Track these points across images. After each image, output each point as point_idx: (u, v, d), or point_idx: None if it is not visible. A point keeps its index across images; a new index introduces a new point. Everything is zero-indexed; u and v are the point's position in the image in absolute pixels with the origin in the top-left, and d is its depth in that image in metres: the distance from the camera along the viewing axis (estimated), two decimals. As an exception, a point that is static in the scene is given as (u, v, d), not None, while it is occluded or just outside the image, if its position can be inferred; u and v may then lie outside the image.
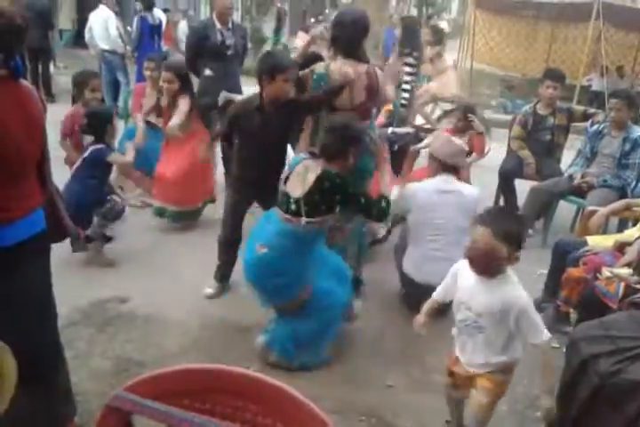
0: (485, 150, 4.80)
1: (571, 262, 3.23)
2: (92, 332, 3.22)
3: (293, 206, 2.81)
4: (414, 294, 3.22)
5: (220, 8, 5.01)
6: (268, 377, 1.26)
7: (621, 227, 4.12)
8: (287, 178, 2.94)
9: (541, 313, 3.40)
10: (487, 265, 2.15)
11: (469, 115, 4.73)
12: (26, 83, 1.97)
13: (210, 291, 3.66)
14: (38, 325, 2.12)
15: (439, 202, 3.44)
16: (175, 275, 3.89)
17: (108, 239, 3.97)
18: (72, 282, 3.56)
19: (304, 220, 2.78)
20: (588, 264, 3.06)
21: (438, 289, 2.45)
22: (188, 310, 3.47)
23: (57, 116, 4.20)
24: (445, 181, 3.53)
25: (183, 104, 4.47)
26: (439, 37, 5.89)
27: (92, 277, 3.80)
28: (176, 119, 4.42)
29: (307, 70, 3.44)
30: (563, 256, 3.41)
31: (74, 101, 4.47)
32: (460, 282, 2.30)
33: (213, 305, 3.55)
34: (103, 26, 7.95)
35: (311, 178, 2.79)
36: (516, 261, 2.17)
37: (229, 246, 3.60)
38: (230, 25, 5.06)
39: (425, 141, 5.02)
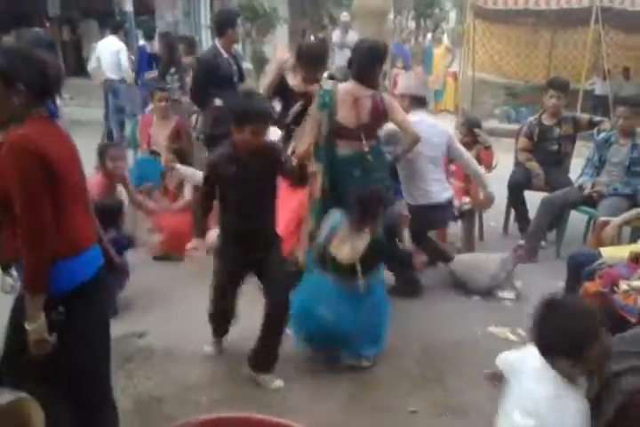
0: (494, 164, 4.80)
1: (586, 276, 3.20)
2: (112, 369, 3.22)
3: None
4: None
5: (233, 39, 4.98)
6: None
7: (635, 236, 4.08)
8: (329, 239, 3.14)
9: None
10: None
11: (475, 129, 4.74)
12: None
13: (209, 349, 3.41)
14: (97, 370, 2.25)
15: (430, 134, 3.91)
16: (190, 307, 3.83)
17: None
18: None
19: (361, 282, 3.09)
20: (604, 278, 3.02)
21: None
22: (206, 342, 3.45)
23: None
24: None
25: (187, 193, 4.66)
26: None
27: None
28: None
29: (315, 86, 3.76)
30: (578, 270, 3.38)
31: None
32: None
33: (230, 337, 3.52)
34: (114, 57, 8.02)
35: (361, 246, 3.08)
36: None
37: (223, 320, 3.34)
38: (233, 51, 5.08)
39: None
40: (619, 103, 4.48)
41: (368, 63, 3.60)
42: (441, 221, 4.30)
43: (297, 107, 3.93)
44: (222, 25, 4.88)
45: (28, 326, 1.92)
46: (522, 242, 4.75)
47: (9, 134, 1.88)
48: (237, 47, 8.22)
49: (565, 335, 1.91)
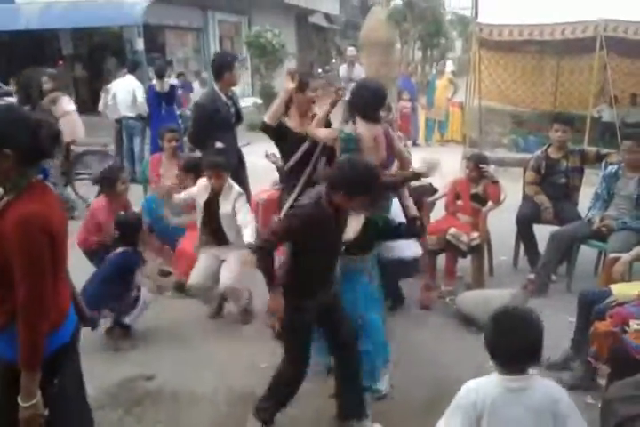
0: (501, 198, 4.80)
1: (597, 315, 3.17)
2: (120, 414, 3.22)
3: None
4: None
5: (231, 82, 4.95)
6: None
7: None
8: None
9: (569, 370, 3.35)
10: None
11: (481, 164, 4.75)
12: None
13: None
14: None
15: None
16: (199, 349, 3.88)
17: (126, 327, 3.97)
18: (96, 362, 3.57)
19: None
20: (615, 317, 2.99)
21: None
22: (216, 385, 3.44)
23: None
24: None
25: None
26: None
27: (117, 355, 3.81)
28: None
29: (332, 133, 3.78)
30: (588, 308, 3.34)
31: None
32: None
33: (240, 379, 3.51)
34: (130, 95, 8.20)
35: (356, 225, 3.13)
36: None
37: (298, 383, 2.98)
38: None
39: (439, 193, 5.04)
40: (624, 137, 4.48)
41: (376, 102, 3.69)
42: (405, 275, 4.30)
43: (301, 151, 3.87)
44: (219, 68, 4.85)
45: (24, 403, 1.85)
46: (532, 276, 4.72)
47: (14, 208, 1.83)
48: (246, 84, 8.40)
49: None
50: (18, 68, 10.64)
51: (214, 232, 4.11)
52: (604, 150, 5.00)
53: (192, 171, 4.61)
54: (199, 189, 4.11)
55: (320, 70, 16.78)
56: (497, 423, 2.00)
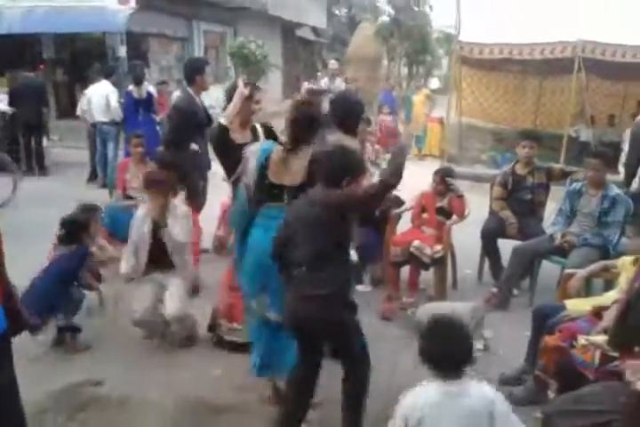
0: (466, 212, 4.81)
1: (548, 329, 3.17)
2: (62, 419, 3.14)
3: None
4: None
5: (203, 86, 5.00)
6: None
7: (608, 288, 4.05)
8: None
9: (521, 386, 3.33)
10: None
11: (447, 178, 4.77)
12: None
13: None
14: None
15: None
16: (149, 356, 3.82)
17: (76, 330, 3.88)
18: (43, 366, 3.53)
19: None
20: (564, 331, 3.00)
21: None
22: (164, 391, 3.37)
23: (48, 190, 4.28)
24: None
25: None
26: None
27: (65, 360, 3.73)
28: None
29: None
30: (542, 322, 3.34)
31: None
32: None
33: (189, 385, 3.45)
34: (104, 99, 8.20)
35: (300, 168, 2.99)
36: None
37: None
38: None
39: (405, 205, 5.04)
40: (589, 155, 4.53)
41: (356, 117, 3.80)
42: None
43: None
44: (192, 72, 4.96)
45: None
46: (494, 290, 4.72)
47: None
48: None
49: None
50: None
51: (159, 257, 3.85)
52: (570, 168, 5.05)
53: (167, 166, 4.58)
54: (138, 221, 3.85)
55: (306, 83, 16.84)
56: None
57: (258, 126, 3.75)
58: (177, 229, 3.76)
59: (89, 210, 4.13)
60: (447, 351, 2.11)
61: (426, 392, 2.11)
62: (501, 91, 13.32)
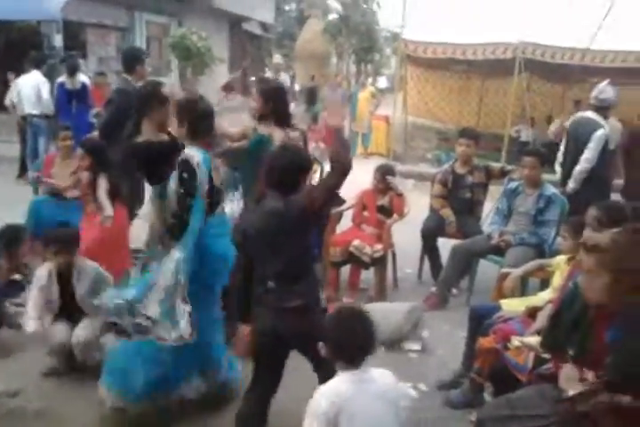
0: (405, 211, 4.77)
1: (483, 331, 3.13)
2: (-26, 432, 2.93)
3: None
4: None
5: (143, 75, 4.93)
6: None
7: (544, 287, 4.07)
8: None
9: (457, 389, 3.29)
10: None
11: (387, 176, 4.71)
12: None
13: None
14: None
15: None
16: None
17: None
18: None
19: None
20: (498, 333, 2.96)
21: None
22: (87, 402, 3.16)
23: None
24: None
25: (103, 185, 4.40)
26: None
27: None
28: (108, 210, 4.33)
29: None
30: (478, 323, 3.31)
31: None
32: None
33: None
34: (34, 90, 7.82)
35: None
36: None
37: None
38: None
39: (347, 204, 4.96)
40: (525, 153, 4.54)
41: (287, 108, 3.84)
42: None
43: None
44: (132, 62, 4.95)
45: None
46: (434, 289, 4.69)
47: None
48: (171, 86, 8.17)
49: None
50: None
51: (68, 305, 3.51)
52: (509, 167, 5.06)
53: (92, 153, 4.38)
54: (40, 283, 3.46)
55: (253, 78, 16.59)
56: (353, 416, 2.05)
57: None
58: (86, 288, 3.46)
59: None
60: (351, 339, 2.12)
61: (336, 386, 2.13)
62: (446, 90, 13.47)
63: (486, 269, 4.81)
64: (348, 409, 2.04)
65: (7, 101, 8.22)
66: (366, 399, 2.08)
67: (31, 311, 3.44)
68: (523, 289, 3.97)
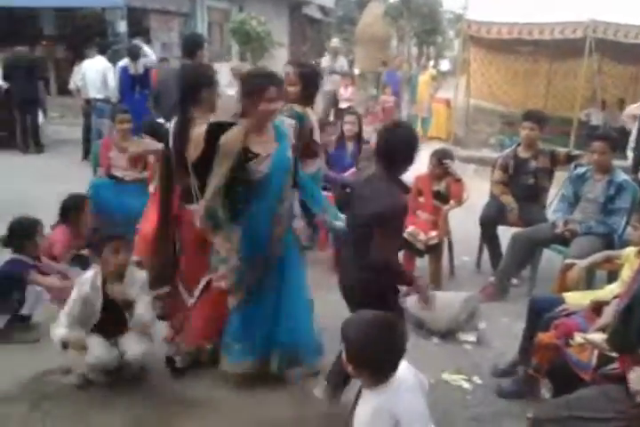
0: (464, 197, 4.58)
1: (543, 325, 2.95)
2: (27, 407, 3.00)
3: None
4: None
5: (201, 59, 5.11)
6: None
7: (612, 280, 3.82)
8: None
9: (513, 377, 3.14)
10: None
11: (444, 160, 4.53)
12: None
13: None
14: None
15: None
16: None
17: (25, 319, 3.70)
18: (15, 352, 3.38)
19: None
20: (559, 328, 2.78)
21: None
22: (134, 384, 3.20)
23: (46, 168, 4.12)
24: None
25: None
26: None
27: (40, 346, 3.51)
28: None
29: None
30: (537, 316, 3.13)
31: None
32: None
33: (160, 376, 3.28)
34: (100, 76, 7.98)
35: None
36: (364, 378, 2.04)
37: None
38: None
39: (402, 189, 4.81)
40: (594, 138, 4.26)
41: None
42: None
43: None
44: (193, 47, 5.14)
45: None
46: (492, 279, 4.50)
47: None
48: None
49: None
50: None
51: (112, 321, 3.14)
52: (576, 151, 4.79)
53: (152, 135, 4.44)
54: (84, 291, 3.04)
55: (313, 62, 16.51)
56: (409, 421, 1.94)
57: None
58: (141, 308, 3.07)
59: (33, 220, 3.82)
60: (390, 350, 1.94)
61: (382, 405, 1.95)
62: (511, 73, 13.01)
63: (551, 259, 4.59)
64: (402, 418, 1.93)
65: (71, 85, 8.43)
66: (409, 400, 1.97)
67: (63, 318, 3.07)
68: (589, 282, 3.75)
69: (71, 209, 4.14)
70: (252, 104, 2.84)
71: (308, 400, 3.04)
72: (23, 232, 3.66)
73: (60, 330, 3.05)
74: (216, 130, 2.87)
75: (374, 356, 1.92)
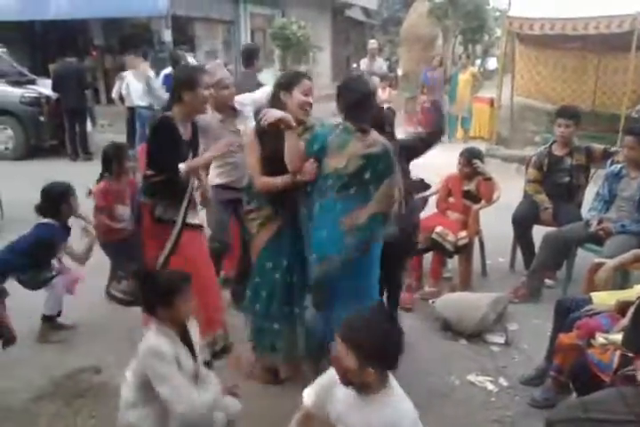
0: (495, 196, 4.51)
1: (567, 326, 2.88)
2: (58, 406, 3.11)
3: None
4: None
5: (259, 70, 5.91)
6: None
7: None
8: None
9: (542, 384, 3.07)
10: (342, 375, 1.97)
11: (474, 160, 4.47)
12: None
13: None
14: None
15: None
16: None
17: (50, 318, 3.81)
18: (47, 351, 3.50)
19: None
20: (582, 328, 2.71)
21: (309, 394, 2.18)
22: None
23: (93, 176, 4.26)
24: None
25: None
26: None
27: (71, 345, 3.69)
28: None
29: None
30: (564, 317, 3.05)
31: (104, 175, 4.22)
32: (337, 392, 2.08)
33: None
34: (142, 83, 8.19)
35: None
36: (371, 379, 1.94)
37: None
38: None
39: (432, 189, 4.77)
40: (625, 132, 4.12)
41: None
42: None
43: None
44: (250, 56, 5.70)
45: None
46: (525, 280, 4.41)
47: None
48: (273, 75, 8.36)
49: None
50: (51, 57, 10.82)
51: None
52: (612, 148, 4.64)
53: None
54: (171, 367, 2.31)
55: (355, 65, 16.52)
56: None
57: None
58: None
59: (64, 186, 3.82)
60: (394, 344, 1.95)
61: (406, 406, 2.02)
62: (559, 69, 12.68)
63: (587, 259, 4.44)
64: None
65: (114, 94, 8.70)
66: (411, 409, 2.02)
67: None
68: (623, 282, 3.62)
69: (112, 159, 4.11)
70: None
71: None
72: (57, 197, 3.67)
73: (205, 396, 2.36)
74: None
75: (385, 350, 1.92)
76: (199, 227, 3.42)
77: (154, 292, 2.35)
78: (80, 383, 3.29)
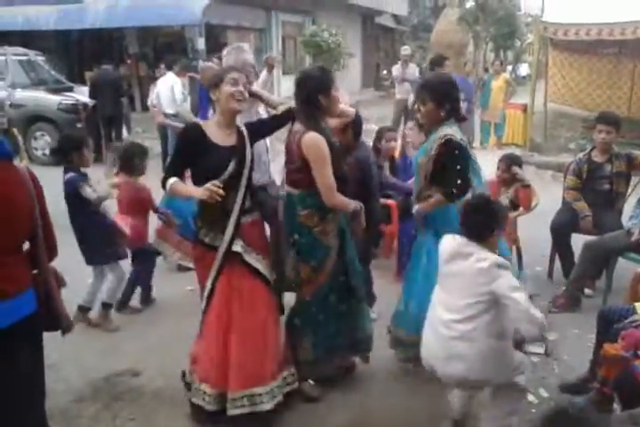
0: (533, 204, 4.44)
1: (612, 336, 2.81)
2: (97, 408, 3.15)
3: None
4: None
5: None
6: None
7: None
8: None
9: (585, 394, 2.99)
10: None
11: (513, 167, 4.42)
12: (12, 163, 2.02)
13: None
14: (22, 415, 2.08)
15: None
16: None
17: (109, 306, 4.02)
18: (87, 353, 3.56)
19: None
20: (627, 339, 2.63)
21: None
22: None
23: None
24: None
25: None
26: None
27: (111, 347, 3.74)
28: None
29: None
30: (607, 327, 2.99)
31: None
32: None
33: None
34: (169, 92, 8.29)
35: None
36: None
37: None
38: None
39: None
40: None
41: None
42: None
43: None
44: None
45: None
46: (564, 289, 4.33)
47: None
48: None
49: None
50: (87, 65, 11.06)
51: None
52: (654, 155, 4.53)
53: None
54: None
55: (385, 71, 16.53)
56: None
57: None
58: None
59: (78, 136, 3.97)
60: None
61: None
62: (594, 75, 12.49)
63: (629, 268, 4.35)
64: None
65: (149, 102, 8.82)
66: None
67: None
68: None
69: (131, 154, 4.22)
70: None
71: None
72: (72, 144, 3.79)
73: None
74: None
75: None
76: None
77: None
78: (118, 386, 3.34)
